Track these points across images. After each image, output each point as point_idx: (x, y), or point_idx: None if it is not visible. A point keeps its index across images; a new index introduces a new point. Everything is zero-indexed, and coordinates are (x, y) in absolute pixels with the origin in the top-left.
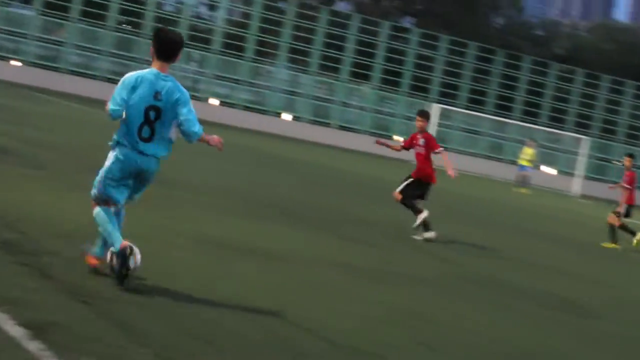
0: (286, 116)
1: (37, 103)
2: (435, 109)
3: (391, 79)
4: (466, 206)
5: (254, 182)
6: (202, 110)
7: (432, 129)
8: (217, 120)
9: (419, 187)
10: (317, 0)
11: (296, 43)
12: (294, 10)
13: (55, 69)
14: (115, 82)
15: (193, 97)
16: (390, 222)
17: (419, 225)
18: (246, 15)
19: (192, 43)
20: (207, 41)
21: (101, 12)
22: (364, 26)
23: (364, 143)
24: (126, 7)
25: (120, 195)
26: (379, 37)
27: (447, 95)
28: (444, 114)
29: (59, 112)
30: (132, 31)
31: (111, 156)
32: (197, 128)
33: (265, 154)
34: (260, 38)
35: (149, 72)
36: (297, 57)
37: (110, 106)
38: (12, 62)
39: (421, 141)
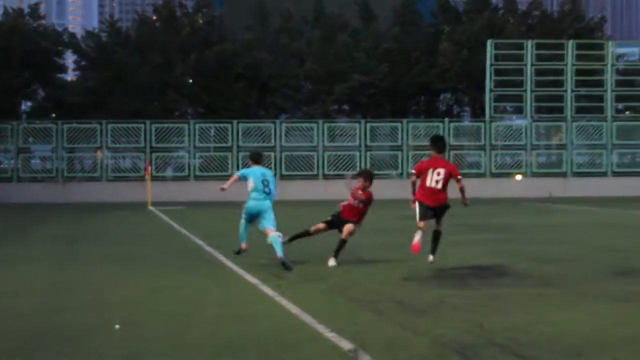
0: None
1: (539, 215)
2: None
3: None
4: None
5: None
6: None
7: None
8: None
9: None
10: None
11: None
12: None
13: (561, 175)
14: (622, 174)
15: None
16: None
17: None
18: None
19: None
20: None
21: (596, 104)
22: None
23: None
24: (621, 93)
25: None
26: None
27: None
28: None
29: (562, 220)
30: (633, 116)
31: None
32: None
33: None
34: None
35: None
36: None
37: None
38: (517, 177)
39: (362, 197)
